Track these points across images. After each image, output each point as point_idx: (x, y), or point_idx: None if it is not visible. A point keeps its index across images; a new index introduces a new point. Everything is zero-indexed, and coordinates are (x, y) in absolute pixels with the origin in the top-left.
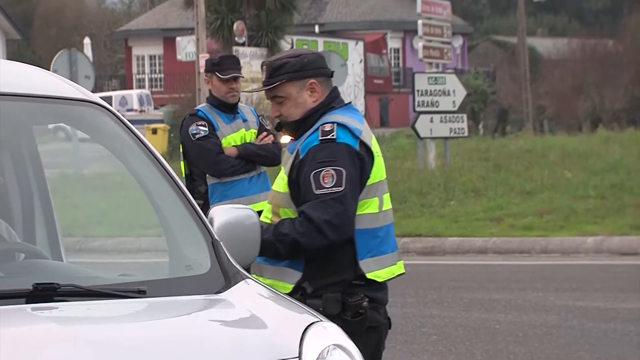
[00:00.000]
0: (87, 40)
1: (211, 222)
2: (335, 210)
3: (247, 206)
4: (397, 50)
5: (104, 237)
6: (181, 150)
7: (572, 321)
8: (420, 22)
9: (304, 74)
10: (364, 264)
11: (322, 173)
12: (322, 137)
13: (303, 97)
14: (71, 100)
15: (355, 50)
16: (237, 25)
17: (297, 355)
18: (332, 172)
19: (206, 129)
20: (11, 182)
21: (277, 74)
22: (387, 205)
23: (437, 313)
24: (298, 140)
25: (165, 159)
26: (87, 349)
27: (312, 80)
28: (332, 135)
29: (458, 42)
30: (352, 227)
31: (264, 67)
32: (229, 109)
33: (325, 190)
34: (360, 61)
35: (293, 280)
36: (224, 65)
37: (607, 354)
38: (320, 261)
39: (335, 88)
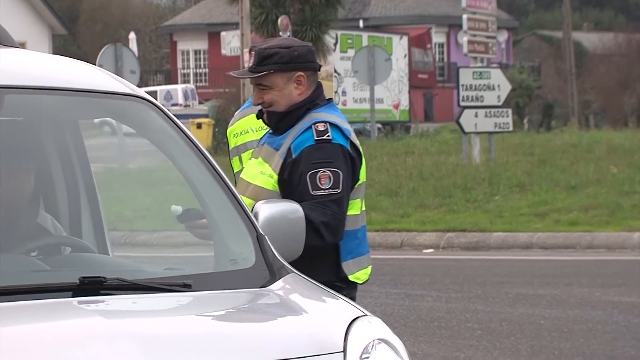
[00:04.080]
0: (132, 35)
1: (256, 217)
2: (333, 213)
3: (292, 201)
4: (441, 45)
5: (150, 231)
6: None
7: (617, 317)
8: (465, 16)
9: (293, 66)
10: (346, 265)
11: (319, 174)
12: (317, 137)
13: (289, 89)
14: (117, 94)
15: (399, 45)
16: (282, 20)
17: (342, 349)
18: (329, 173)
19: None
20: (58, 176)
21: (266, 63)
22: (364, 205)
23: (481, 308)
24: (282, 136)
25: (209, 154)
26: (133, 343)
27: (300, 73)
28: (328, 136)
29: (503, 36)
30: (344, 229)
31: (253, 52)
32: None
33: (322, 191)
34: (405, 56)
35: None
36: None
37: None
38: (304, 262)
39: (320, 84)
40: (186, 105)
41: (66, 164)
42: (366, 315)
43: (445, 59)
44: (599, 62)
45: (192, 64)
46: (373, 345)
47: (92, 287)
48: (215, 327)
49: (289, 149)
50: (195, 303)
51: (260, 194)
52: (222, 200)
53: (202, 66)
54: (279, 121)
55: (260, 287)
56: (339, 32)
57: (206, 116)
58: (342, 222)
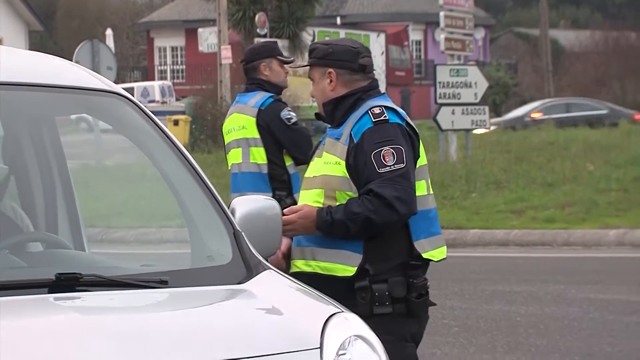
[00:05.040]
0: (109, 32)
1: (233, 213)
2: (403, 186)
3: (268, 197)
4: (418, 42)
5: (126, 228)
6: (257, 136)
7: (593, 314)
8: (442, 14)
9: (324, 62)
10: (419, 244)
11: (382, 152)
12: (375, 119)
13: (322, 84)
14: (94, 91)
15: (377, 42)
16: (259, 17)
17: (319, 346)
18: (392, 150)
19: (295, 114)
20: (34, 172)
21: (309, 57)
22: (431, 189)
23: (458, 305)
24: (341, 127)
25: (186, 150)
26: (110, 339)
27: (330, 70)
28: (384, 117)
29: (480, 34)
30: (416, 203)
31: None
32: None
33: (388, 168)
34: (382, 53)
35: (354, 262)
36: (280, 50)
37: (628, 346)
38: (378, 243)
39: (374, 81)
40: (163, 102)
41: (42, 160)
42: (343, 311)
43: (423, 57)
44: (576, 59)
45: (169, 60)
46: (350, 342)
47: (68, 283)
48: (192, 324)
49: (350, 135)
50: (172, 299)
51: (329, 182)
52: (199, 197)
53: (179, 63)
54: (332, 112)
55: (237, 284)
56: (316, 29)
57: (183, 113)
58: (413, 194)
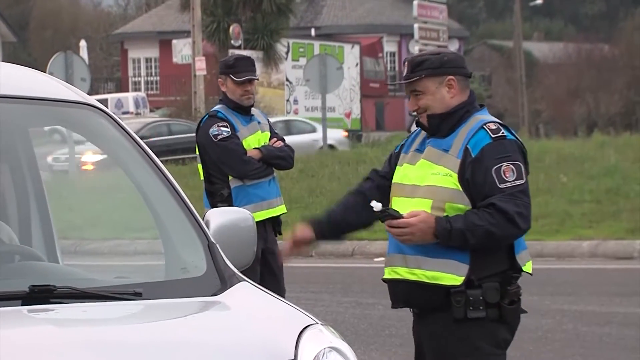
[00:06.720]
0: (83, 43)
1: (207, 225)
2: (524, 202)
3: (242, 209)
4: (393, 54)
5: (100, 240)
6: (197, 152)
7: (567, 325)
8: (416, 25)
9: (443, 70)
10: (519, 257)
11: (503, 168)
12: (493, 134)
13: (441, 92)
14: (68, 102)
15: (351, 54)
16: (233, 28)
17: (293, 358)
18: (512, 166)
19: (228, 129)
20: (7, 184)
21: (418, 70)
22: None
23: None
24: (448, 138)
25: (160, 161)
26: (84, 351)
27: (450, 77)
28: (502, 133)
29: (454, 45)
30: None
31: (406, 63)
32: (245, 111)
33: (509, 184)
34: (356, 65)
35: (462, 272)
36: (239, 68)
37: (601, 358)
38: (483, 254)
39: (473, 91)
40: (137, 113)
41: (16, 172)
42: (317, 323)
43: (397, 68)
44: (549, 71)
45: (143, 71)
46: (324, 354)
47: (42, 295)
48: (166, 336)
49: (466, 149)
50: (146, 311)
51: (439, 193)
52: (173, 208)
53: (153, 74)
54: (440, 123)
55: (211, 296)
56: (291, 41)
57: None
58: (531, 210)
